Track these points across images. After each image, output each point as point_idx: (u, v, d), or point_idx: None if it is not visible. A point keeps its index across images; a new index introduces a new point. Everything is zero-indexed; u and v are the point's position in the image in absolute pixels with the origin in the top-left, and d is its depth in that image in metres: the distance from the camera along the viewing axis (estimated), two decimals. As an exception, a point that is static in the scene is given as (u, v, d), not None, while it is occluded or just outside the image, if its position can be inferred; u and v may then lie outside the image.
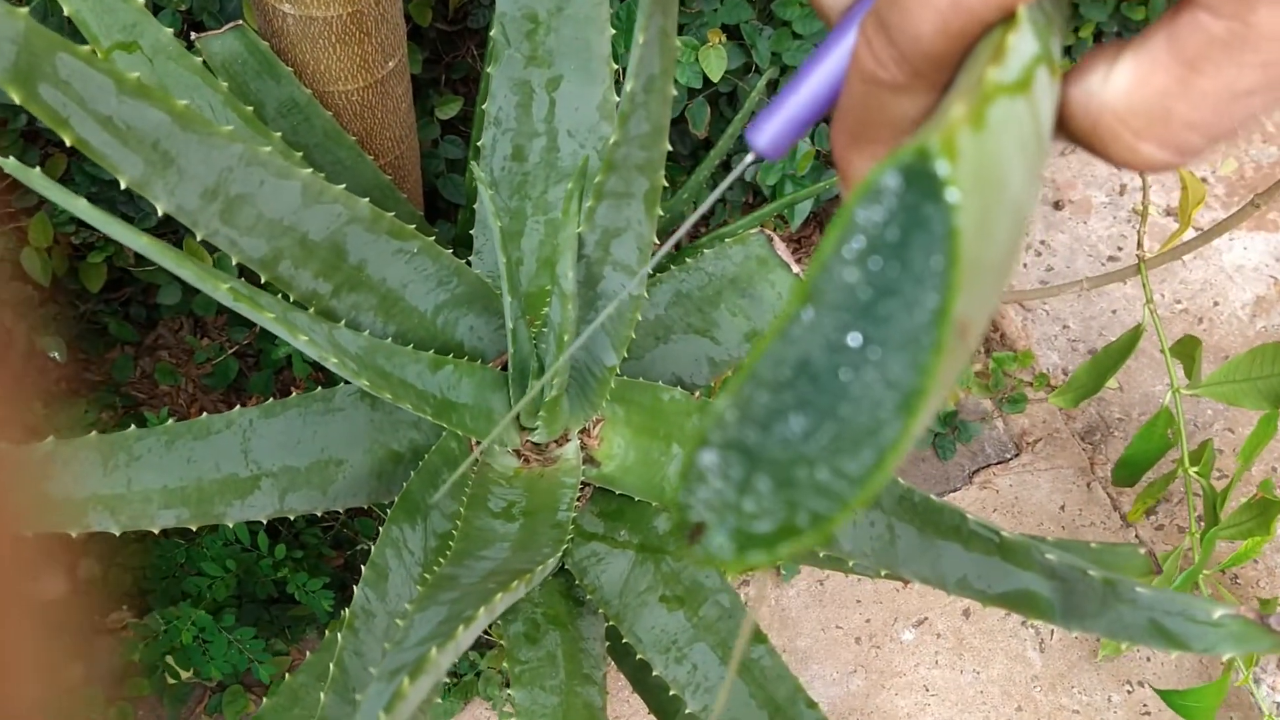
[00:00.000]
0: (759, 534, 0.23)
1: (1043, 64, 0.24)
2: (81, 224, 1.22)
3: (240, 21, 0.84)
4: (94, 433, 0.74)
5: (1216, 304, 1.58)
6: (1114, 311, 1.57)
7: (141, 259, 1.29)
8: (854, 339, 0.21)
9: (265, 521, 0.85)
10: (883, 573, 0.72)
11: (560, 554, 0.73)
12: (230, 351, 1.34)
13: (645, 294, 0.72)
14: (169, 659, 0.99)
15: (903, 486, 0.70)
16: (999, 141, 0.22)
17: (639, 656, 0.85)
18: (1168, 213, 1.65)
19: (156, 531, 0.78)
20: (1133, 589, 0.54)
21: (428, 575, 0.63)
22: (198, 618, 0.98)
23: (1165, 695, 1.05)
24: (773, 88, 1.32)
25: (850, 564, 0.77)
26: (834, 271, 0.21)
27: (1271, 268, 1.60)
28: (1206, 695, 0.99)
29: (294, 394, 0.89)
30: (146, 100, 0.47)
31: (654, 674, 0.83)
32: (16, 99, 0.42)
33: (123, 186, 0.49)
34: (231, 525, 1.10)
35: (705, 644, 0.81)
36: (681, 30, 1.21)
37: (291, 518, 1.26)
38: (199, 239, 0.57)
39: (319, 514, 1.14)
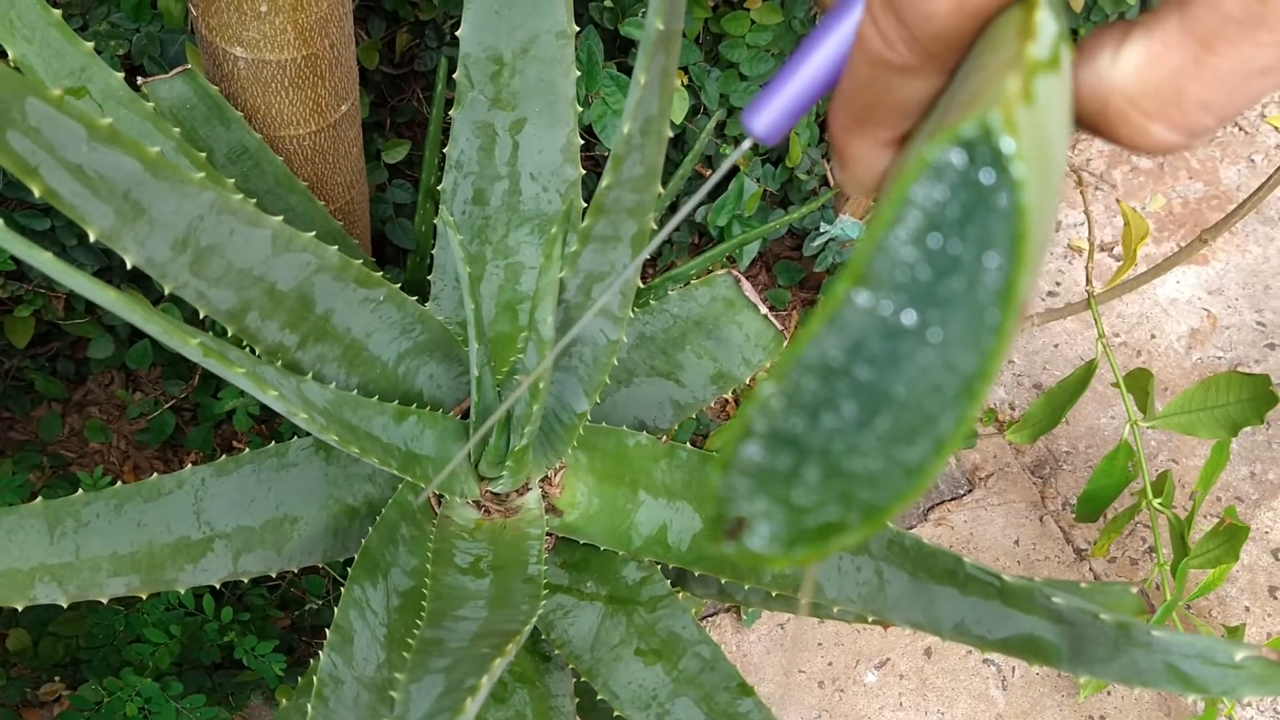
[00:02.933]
0: (807, 528, 0.22)
1: (1064, 42, 0.24)
2: (7, 277, 1.16)
3: (188, 66, 0.81)
4: (40, 499, 0.69)
5: (1154, 337, 1.60)
6: (1056, 346, 1.59)
7: (71, 312, 1.24)
8: (911, 320, 0.20)
9: (218, 585, 0.80)
10: (870, 619, 0.71)
11: (539, 609, 0.70)
12: (166, 406, 1.29)
13: (624, 337, 0.70)
14: (112, 734, 0.93)
15: (892, 530, 0.69)
16: (1047, 117, 0.21)
17: (617, 714, 0.82)
18: (1101, 249, 1.68)
19: (105, 601, 0.74)
20: (1148, 632, 0.53)
21: (410, 639, 0.60)
22: (143, 687, 0.93)
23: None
24: (721, 129, 1.32)
25: (834, 610, 0.76)
26: (890, 251, 0.20)
27: (1204, 300, 1.64)
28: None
29: (245, 450, 0.85)
30: (118, 148, 0.44)
31: (633, 732, 0.80)
32: (-16, 146, 0.39)
33: (92, 239, 0.46)
34: (183, 590, 1.05)
35: (688, 699, 0.79)
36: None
37: (244, 580, 1.22)
38: (167, 292, 0.53)
39: (272, 575, 1.09)
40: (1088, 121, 0.25)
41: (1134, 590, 0.66)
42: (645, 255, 0.52)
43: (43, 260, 0.44)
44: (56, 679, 1.17)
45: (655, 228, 0.57)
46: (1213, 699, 1.04)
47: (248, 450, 0.85)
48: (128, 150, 0.45)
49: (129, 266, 0.50)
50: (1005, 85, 0.20)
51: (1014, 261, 0.20)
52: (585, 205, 0.85)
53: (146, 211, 0.47)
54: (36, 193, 0.42)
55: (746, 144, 0.34)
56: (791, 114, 0.30)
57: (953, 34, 0.23)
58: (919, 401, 0.21)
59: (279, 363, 0.66)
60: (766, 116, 0.30)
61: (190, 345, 0.52)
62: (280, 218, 0.57)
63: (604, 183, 0.52)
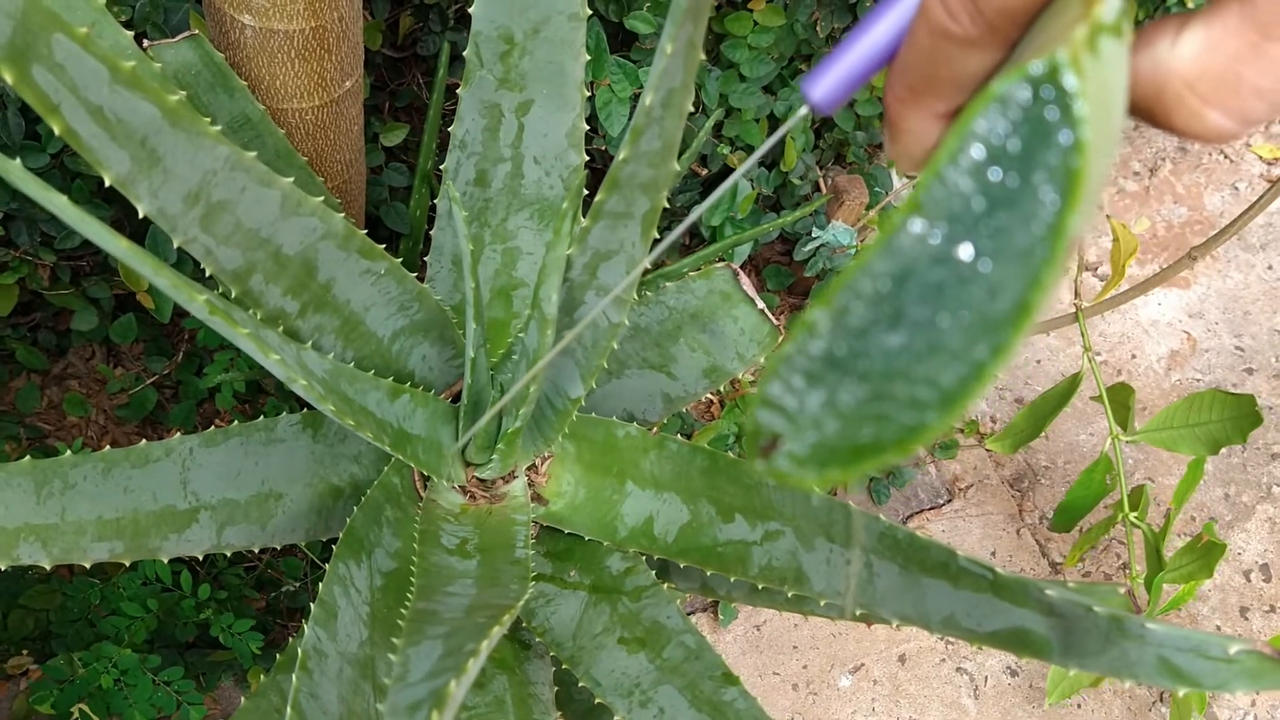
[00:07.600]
0: (842, 447, 0.23)
1: (1126, 18, 0.25)
2: (-6, 243, 1.15)
3: (195, 31, 0.80)
4: (28, 458, 0.69)
5: (1134, 356, 1.62)
6: (1039, 361, 1.60)
7: (55, 282, 1.23)
8: (965, 251, 0.21)
9: (201, 557, 0.80)
10: (858, 612, 0.71)
11: (529, 591, 0.70)
12: (149, 382, 1.28)
13: (625, 320, 0.70)
14: (83, 705, 0.92)
15: (884, 523, 0.69)
16: (1108, 74, 0.22)
17: (598, 701, 0.82)
18: (1086, 268, 1.70)
19: (88, 566, 0.73)
20: (1142, 625, 0.54)
21: (399, 621, 0.60)
22: (121, 658, 0.92)
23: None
24: (719, 129, 1.32)
25: (822, 603, 0.76)
26: (948, 181, 0.21)
27: (1184, 323, 1.65)
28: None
29: (234, 423, 0.85)
30: (139, 92, 0.44)
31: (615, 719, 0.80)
32: (9, 79, 0.39)
33: (106, 184, 0.46)
34: (166, 560, 1.04)
35: (672, 686, 0.79)
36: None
37: (219, 555, 1.20)
38: (176, 246, 0.53)
39: (248, 552, 1.08)
40: (1143, 106, 0.26)
41: (1121, 591, 0.66)
42: (676, 236, 0.52)
43: (58, 204, 0.44)
44: (24, 652, 1.16)
45: (667, 204, 0.57)
46: (1182, 710, 1.05)
47: (236, 423, 0.84)
48: (149, 95, 0.44)
49: (141, 215, 0.49)
50: (1073, 33, 0.21)
51: (1068, 198, 0.21)
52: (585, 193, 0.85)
53: (162, 161, 0.47)
54: (57, 131, 0.41)
55: (803, 111, 0.34)
56: (849, 84, 0.31)
57: (1017, 7, 0.24)
58: (962, 329, 0.22)
59: (280, 329, 0.66)
60: (825, 85, 0.31)
61: (197, 301, 0.52)
62: (291, 179, 0.57)
63: (621, 155, 0.52)
